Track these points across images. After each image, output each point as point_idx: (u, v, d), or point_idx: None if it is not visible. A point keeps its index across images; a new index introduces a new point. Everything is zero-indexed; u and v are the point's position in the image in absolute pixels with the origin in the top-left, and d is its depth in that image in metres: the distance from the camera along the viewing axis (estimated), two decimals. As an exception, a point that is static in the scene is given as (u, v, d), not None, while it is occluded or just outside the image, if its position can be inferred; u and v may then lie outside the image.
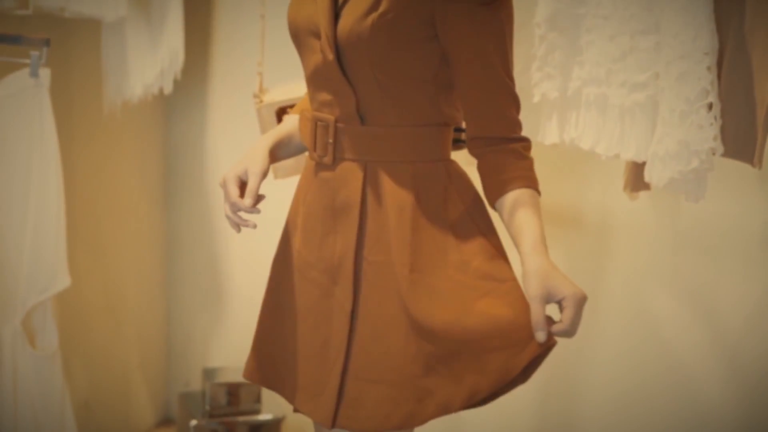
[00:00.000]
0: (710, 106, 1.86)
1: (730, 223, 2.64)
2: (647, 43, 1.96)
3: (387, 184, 1.47)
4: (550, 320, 1.36)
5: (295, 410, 1.59)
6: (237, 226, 1.52)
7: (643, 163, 2.09)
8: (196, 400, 2.75)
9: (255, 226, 1.51)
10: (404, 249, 1.44)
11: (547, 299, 1.36)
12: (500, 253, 1.50)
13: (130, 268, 3.15)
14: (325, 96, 1.50)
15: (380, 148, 1.48)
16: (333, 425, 1.45)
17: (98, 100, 2.79)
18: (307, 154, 1.61)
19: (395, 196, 1.47)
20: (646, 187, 2.20)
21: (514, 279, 1.46)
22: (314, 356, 1.51)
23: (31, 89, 2.30)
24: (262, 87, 2.60)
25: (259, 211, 1.50)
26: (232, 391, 2.68)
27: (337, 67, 1.45)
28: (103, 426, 3.00)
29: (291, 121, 1.64)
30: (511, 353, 1.37)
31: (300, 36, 1.53)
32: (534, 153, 1.70)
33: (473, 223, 1.50)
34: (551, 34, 2.13)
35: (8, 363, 2.29)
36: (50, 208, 2.33)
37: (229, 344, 3.27)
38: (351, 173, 1.49)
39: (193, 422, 2.62)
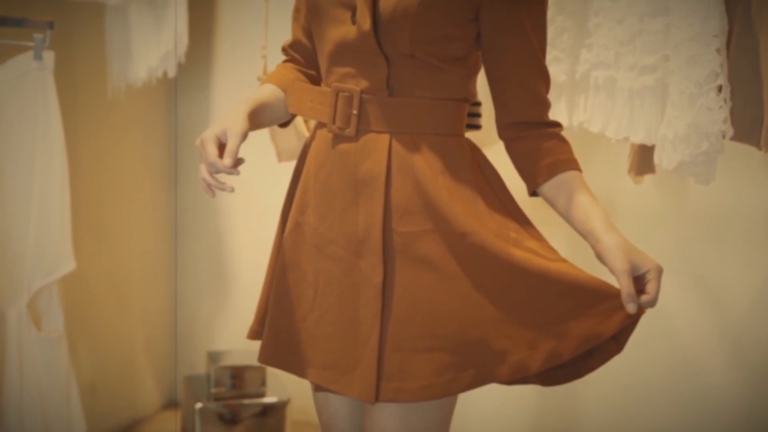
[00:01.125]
0: (720, 89, 1.85)
1: (735, 208, 2.64)
2: (656, 26, 1.95)
3: (415, 155, 1.46)
4: (639, 293, 1.40)
5: (317, 389, 1.56)
6: (211, 190, 1.44)
7: (648, 147, 2.09)
8: (202, 384, 2.76)
9: (232, 190, 1.44)
10: (449, 215, 1.43)
11: (633, 273, 1.39)
12: (537, 234, 1.51)
13: (135, 251, 3.15)
14: (349, 68, 1.48)
15: (407, 119, 1.47)
16: (376, 400, 1.43)
17: (102, 83, 2.79)
18: (317, 131, 1.56)
19: (424, 168, 1.45)
20: (651, 170, 2.19)
21: (562, 259, 1.47)
22: (340, 333, 1.48)
23: (35, 72, 2.29)
24: (266, 70, 2.59)
25: (238, 173, 1.44)
26: (237, 374, 2.68)
27: (374, 39, 1.43)
28: (109, 409, 3.01)
29: (267, 90, 1.59)
30: (596, 321, 1.40)
31: (322, 6, 1.50)
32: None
33: (499, 201, 1.51)
34: (559, 17, 2.12)
35: (14, 346, 2.29)
36: (55, 192, 2.33)
37: (234, 328, 3.27)
38: (375, 145, 1.46)
39: (199, 405, 2.63)
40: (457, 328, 1.42)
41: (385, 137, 1.46)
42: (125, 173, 3.09)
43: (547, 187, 1.48)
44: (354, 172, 1.47)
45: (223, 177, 1.49)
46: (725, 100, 1.86)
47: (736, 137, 1.95)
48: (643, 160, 2.18)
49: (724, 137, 1.89)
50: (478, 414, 2.81)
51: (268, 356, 1.58)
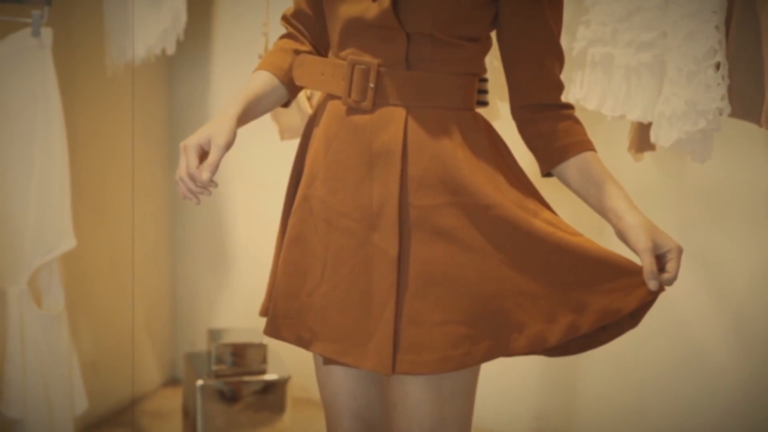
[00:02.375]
0: (718, 66, 1.85)
1: (735, 185, 2.64)
2: (654, 2, 1.94)
3: (432, 128, 1.46)
4: (660, 271, 1.43)
5: (326, 363, 1.56)
6: (192, 195, 1.45)
7: (649, 124, 2.08)
8: (202, 361, 2.77)
9: (210, 194, 1.46)
10: (471, 188, 1.44)
11: (655, 251, 1.43)
12: (552, 210, 1.52)
13: (135, 229, 3.16)
14: (366, 41, 1.46)
15: (424, 93, 1.46)
16: (393, 371, 1.44)
17: (101, 60, 2.78)
18: (329, 103, 1.53)
19: (443, 141, 1.45)
20: (651, 148, 2.19)
21: (581, 234, 1.48)
22: (352, 306, 1.48)
23: (33, 49, 2.28)
24: (267, 47, 2.58)
25: (216, 185, 1.45)
26: (238, 351, 2.70)
27: (394, 17, 1.42)
28: (110, 386, 3.03)
29: (260, 80, 1.57)
30: (616, 297, 1.42)
31: None
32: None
33: (515, 176, 1.52)
34: (557, -7, 2.11)
35: (15, 323, 2.30)
36: (54, 170, 2.33)
37: (235, 305, 3.28)
38: (391, 118, 1.46)
39: (200, 382, 2.64)
40: (474, 301, 1.43)
41: (402, 110, 1.46)
42: (124, 151, 3.09)
43: (563, 168, 1.50)
44: (369, 146, 1.47)
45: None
46: (723, 78, 1.85)
47: (735, 114, 1.94)
48: (643, 137, 2.17)
49: (721, 115, 1.89)
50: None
51: (274, 329, 1.57)
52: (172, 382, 3.34)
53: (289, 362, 2.85)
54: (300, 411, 3.02)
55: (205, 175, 1.42)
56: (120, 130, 3.04)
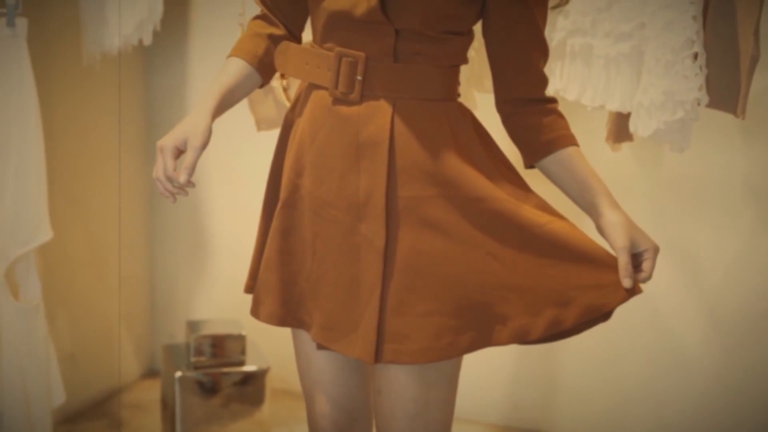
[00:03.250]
0: (695, 56, 1.86)
1: (711, 175, 2.66)
2: (633, -7, 1.95)
3: (420, 120, 1.46)
4: (635, 268, 1.45)
5: (319, 347, 1.57)
6: (170, 195, 1.47)
7: (626, 114, 2.09)
8: (181, 353, 2.76)
9: (187, 194, 1.47)
10: (461, 179, 1.44)
11: (632, 250, 1.45)
12: (541, 198, 1.53)
13: (112, 220, 3.14)
14: (353, 34, 1.46)
15: (411, 85, 1.46)
16: (376, 360, 1.45)
17: (77, 50, 2.75)
18: (313, 93, 1.53)
19: (430, 132, 1.46)
20: (629, 138, 2.20)
21: (570, 223, 1.49)
22: (340, 294, 1.49)
23: (8, 39, 2.26)
24: (243, 37, 2.56)
25: (193, 185, 1.46)
26: (217, 342, 2.69)
27: (381, 12, 1.42)
28: (89, 378, 3.01)
29: (233, 69, 1.56)
30: (601, 294, 1.43)
31: None
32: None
33: (503, 164, 1.53)
34: (536, -16, 2.11)
35: (-8, 316, 2.29)
36: (30, 161, 2.31)
37: (213, 296, 3.27)
38: (379, 110, 1.46)
39: (178, 374, 2.63)
40: (460, 293, 1.44)
41: (389, 102, 1.46)
42: (101, 142, 3.06)
43: (547, 162, 1.52)
44: (356, 136, 1.47)
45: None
46: (701, 68, 1.86)
47: (712, 104, 1.96)
48: (621, 127, 2.19)
49: (699, 105, 1.90)
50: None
51: (270, 314, 1.57)
52: (150, 374, 3.33)
53: (269, 354, 2.84)
54: (279, 402, 3.02)
55: (182, 177, 1.44)
56: (97, 120, 3.02)
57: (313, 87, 1.53)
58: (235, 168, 3.18)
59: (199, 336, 2.67)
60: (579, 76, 2.08)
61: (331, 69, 1.47)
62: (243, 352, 2.71)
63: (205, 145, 1.46)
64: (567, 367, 2.90)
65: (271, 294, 1.57)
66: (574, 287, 1.43)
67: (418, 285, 1.44)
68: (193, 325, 2.76)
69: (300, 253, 1.54)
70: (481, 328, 1.45)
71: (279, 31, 1.60)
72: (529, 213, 1.45)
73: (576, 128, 2.88)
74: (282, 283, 1.56)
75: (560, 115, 1.53)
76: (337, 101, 1.49)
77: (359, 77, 1.46)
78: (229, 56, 1.58)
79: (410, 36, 1.45)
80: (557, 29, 2.11)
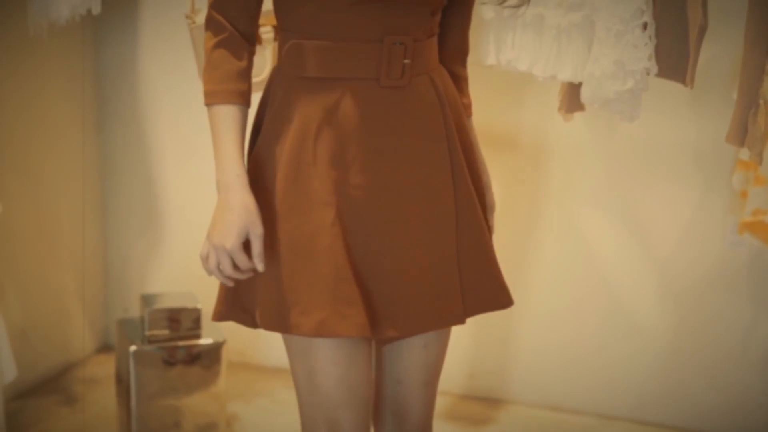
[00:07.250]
0: (645, 26, 1.87)
1: (662, 144, 2.69)
2: (583, -38, 1.96)
3: (448, 89, 1.57)
4: None
5: (382, 341, 1.64)
6: (230, 281, 1.50)
7: (578, 84, 2.11)
8: (136, 327, 2.74)
9: (252, 274, 1.51)
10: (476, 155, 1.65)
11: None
12: None
13: (63, 193, 3.09)
14: (393, 19, 1.47)
15: (432, 57, 1.56)
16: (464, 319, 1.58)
17: (23, 21, 2.69)
18: (347, 89, 1.49)
19: (454, 95, 1.59)
20: (581, 108, 2.21)
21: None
22: (420, 279, 1.53)
23: (-49, 9, 2.21)
24: (194, 7, 2.53)
25: (263, 269, 1.49)
26: (172, 316, 2.67)
27: None
28: (42, 354, 2.98)
29: (236, 119, 1.50)
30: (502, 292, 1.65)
31: None
32: (471, 74, 1.71)
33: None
34: (487, -47, 2.11)
35: (-61, 292, 2.25)
36: (-23, 134, 2.26)
37: (168, 269, 3.25)
38: (425, 88, 1.53)
39: (133, 348, 2.61)
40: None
41: (427, 78, 1.53)
42: (50, 115, 3.01)
43: None
44: (402, 119, 1.50)
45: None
46: (650, 38, 1.88)
47: (662, 74, 1.98)
48: (573, 98, 2.20)
49: (648, 74, 1.92)
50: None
51: (355, 324, 1.47)
52: (104, 348, 3.30)
53: (224, 326, 2.83)
54: (235, 375, 3.02)
55: (261, 266, 1.46)
56: (44, 91, 2.96)
57: (331, 81, 1.48)
58: (186, 137, 3.15)
59: (153, 310, 2.65)
60: (531, 47, 2.08)
61: (375, 58, 1.47)
62: (198, 325, 2.69)
63: (264, 231, 1.47)
64: (521, 335, 2.94)
65: (355, 306, 1.47)
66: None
67: (472, 246, 1.57)
68: (147, 299, 2.73)
69: (352, 248, 1.50)
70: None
71: (243, 62, 1.51)
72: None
73: (529, 98, 2.89)
74: (337, 280, 1.47)
75: (467, 84, 1.70)
76: (381, 88, 1.49)
77: (407, 60, 1.48)
78: (219, 103, 1.50)
79: (436, 12, 1.53)
80: (509, -1, 2.11)
